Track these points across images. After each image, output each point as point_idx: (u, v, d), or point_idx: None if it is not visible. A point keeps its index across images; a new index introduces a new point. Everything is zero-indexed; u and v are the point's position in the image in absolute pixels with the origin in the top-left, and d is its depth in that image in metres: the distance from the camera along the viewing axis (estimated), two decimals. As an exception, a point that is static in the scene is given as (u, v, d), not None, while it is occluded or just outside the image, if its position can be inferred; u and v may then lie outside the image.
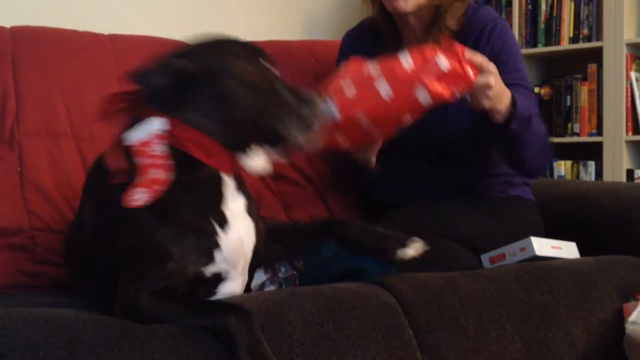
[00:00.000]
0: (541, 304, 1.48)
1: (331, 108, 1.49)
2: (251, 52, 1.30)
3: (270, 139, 1.25)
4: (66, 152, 1.79)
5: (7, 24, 1.90)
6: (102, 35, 1.98)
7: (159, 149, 1.23)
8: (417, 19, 1.81)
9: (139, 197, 1.21)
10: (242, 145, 1.26)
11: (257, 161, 1.28)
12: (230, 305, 1.18)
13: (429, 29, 1.80)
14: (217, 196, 1.29)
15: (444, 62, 1.47)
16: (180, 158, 1.25)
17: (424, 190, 1.76)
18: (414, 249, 1.40)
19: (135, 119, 1.27)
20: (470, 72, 1.49)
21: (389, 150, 1.79)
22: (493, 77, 1.53)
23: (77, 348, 1.05)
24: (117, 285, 1.24)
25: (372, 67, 1.55)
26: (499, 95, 1.58)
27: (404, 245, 1.40)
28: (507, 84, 1.63)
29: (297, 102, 1.26)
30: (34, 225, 1.69)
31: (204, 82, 1.24)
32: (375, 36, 1.91)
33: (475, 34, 1.78)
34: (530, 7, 3.49)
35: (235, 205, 1.32)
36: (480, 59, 1.53)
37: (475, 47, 1.72)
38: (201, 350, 1.12)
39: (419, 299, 1.37)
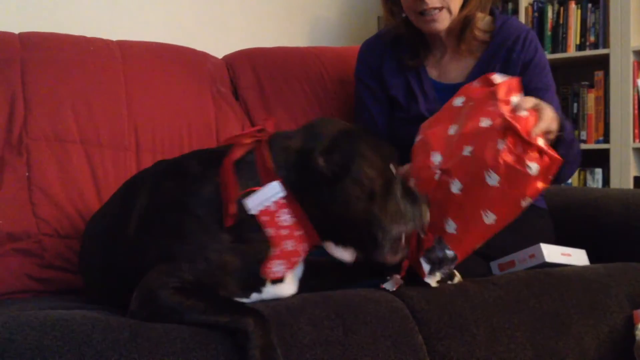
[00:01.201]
0: (552, 311, 1.47)
1: None
2: (381, 155, 1.32)
3: (367, 246, 1.30)
4: (74, 157, 1.78)
5: (16, 30, 1.91)
6: (110, 41, 1.98)
7: (287, 218, 1.26)
8: (448, 31, 1.87)
9: (277, 269, 1.27)
10: (337, 240, 1.31)
11: (344, 254, 1.32)
12: (249, 308, 1.18)
13: (461, 37, 1.87)
14: None
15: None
16: None
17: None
18: (437, 277, 1.45)
19: (250, 161, 1.29)
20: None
21: (403, 156, 1.79)
22: (551, 110, 1.48)
23: (86, 351, 1.05)
24: (141, 280, 1.23)
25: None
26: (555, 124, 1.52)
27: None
28: (542, 87, 1.77)
29: (412, 209, 1.31)
30: (41, 231, 1.69)
31: (329, 180, 1.26)
32: (398, 45, 1.95)
33: (509, 42, 1.86)
34: (536, 14, 3.49)
35: None
36: (533, 101, 1.47)
37: (510, 53, 1.84)
38: (211, 355, 1.12)
39: (430, 306, 1.36)
